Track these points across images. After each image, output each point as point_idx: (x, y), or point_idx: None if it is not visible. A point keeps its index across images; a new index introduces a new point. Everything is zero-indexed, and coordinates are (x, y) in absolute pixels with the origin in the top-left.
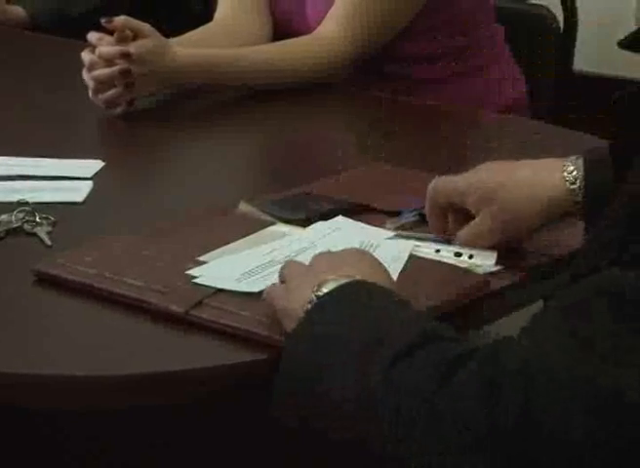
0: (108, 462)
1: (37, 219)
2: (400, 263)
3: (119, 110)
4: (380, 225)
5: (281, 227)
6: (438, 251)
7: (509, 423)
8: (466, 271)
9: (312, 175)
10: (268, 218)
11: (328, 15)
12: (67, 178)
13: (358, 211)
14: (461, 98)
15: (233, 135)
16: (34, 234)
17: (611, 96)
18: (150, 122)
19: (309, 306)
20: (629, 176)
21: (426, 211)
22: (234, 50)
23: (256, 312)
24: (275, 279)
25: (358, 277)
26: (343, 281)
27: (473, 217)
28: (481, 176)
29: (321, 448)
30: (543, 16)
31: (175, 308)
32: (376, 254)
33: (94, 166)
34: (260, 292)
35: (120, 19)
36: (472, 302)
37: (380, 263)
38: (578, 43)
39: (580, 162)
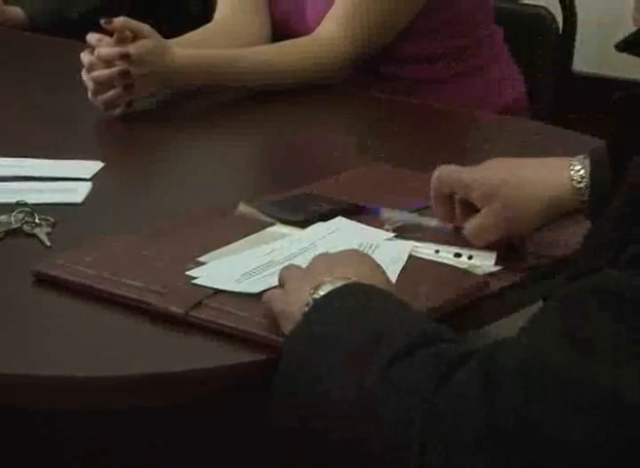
0: (108, 462)
1: (36, 220)
2: (399, 264)
3: (118, 111)
4: (380, 226)
5: (281, 228)
6: (437, 251)
7: (509, 423)
8: (466, 272)
9: (312, 176)
10: (268, 219)
11: (328, 15)
12: (67, 179)
13: (357, 211)
14: (461, 99)
15: (233, 135)
16: (34, 235)
17: (610, 96)
18: (150, 123)
19: (306, 309)
20: (629, 168)
21: (432, 199)
22: (234, 51)
23: (255, 313)
24: (275, 280)
25: (356, 279)
26: (340, 283)
27: (479, 210)
28: (485, 173)
29: (321, 448)
30: (543, 16)
31: (174, 309)
32: (375, 255)
33: (93, 167)
34: (260, 293)
35: (119, 20)
36: (472, 303)
37: (379, 265)
38: (577, 43)
39: (587, 161)
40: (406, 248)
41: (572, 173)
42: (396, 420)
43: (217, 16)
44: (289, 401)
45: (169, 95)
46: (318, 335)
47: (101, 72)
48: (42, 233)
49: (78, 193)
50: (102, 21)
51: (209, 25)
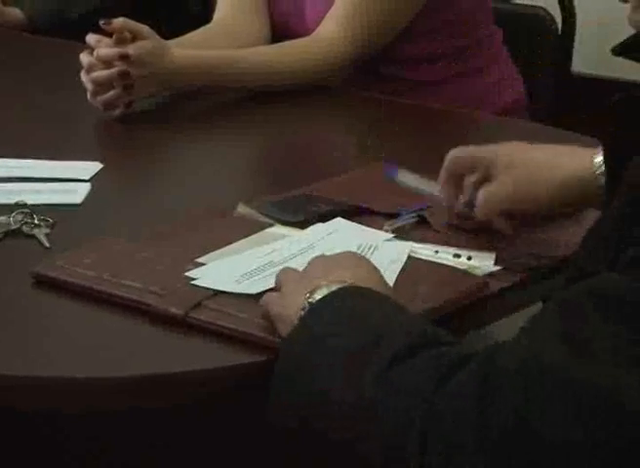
0: (108, 462)
1: (36, 221)
2: (399, 265)
3: (117, 112)
4: (379, 227)
5: (280, 229)
6: (437, 252)
7: (509, 423)
8: (465, 272)
9: (312, 177)
10: (267, 220)
11: (327, 15)
12: (66, 180)
13: (357, 212)
14: (461, 99)
15: (233, 136)
16: (33, 236)
17: (610, 97)
18: (149, 124)
19: (302, 312)
20: (629, 168)
21: (441, 179)
22: (233, 51)
23: (254, 314)
24: (274, 281)
25: (352, 281)
26: (335, 287)
27: None
28: (503, 148)
29: (321, 448)
30: (542, 17)
31: (174, 310)
32: (374, 256)
33: (92, 168)
34: (259, 294)
35: (119, 21)
36: (472, 304)
37: (376, 268)
38: (576, 44)
39: None
40: (405, 248)
41: (595, 160)
42: (396, 420)
43: (216, 16)
44: (288, 401)
45: (168, 96)
46: (317, 336)
47: (101, 73)
48: (41, 234)
49: (77, 194)
50: (102, 22)
51: (208, 26)
